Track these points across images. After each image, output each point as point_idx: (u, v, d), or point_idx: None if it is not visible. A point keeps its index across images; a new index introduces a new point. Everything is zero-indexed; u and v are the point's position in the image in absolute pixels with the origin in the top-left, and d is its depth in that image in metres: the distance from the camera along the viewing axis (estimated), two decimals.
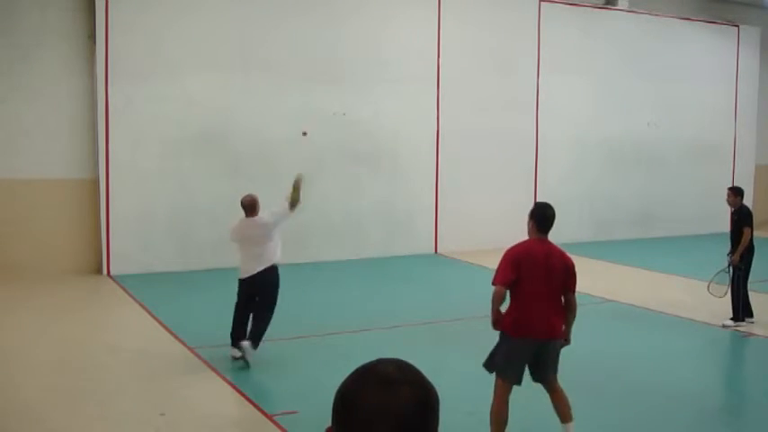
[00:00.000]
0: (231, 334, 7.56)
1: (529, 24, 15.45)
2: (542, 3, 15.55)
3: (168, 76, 12.23)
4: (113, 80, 11.82)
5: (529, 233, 5.44)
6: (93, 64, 11.90)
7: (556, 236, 5.49)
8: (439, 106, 14.53)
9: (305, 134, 13.12)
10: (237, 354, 7.40)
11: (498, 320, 5.29)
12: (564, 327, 5.34)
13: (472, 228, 14.85)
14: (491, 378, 7.33)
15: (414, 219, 14.41)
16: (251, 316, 7.62)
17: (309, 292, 11.16)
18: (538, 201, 5.71)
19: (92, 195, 12.06)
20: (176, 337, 8.41)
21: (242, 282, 7.66)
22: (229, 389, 6.78)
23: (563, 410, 5.41)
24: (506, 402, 5.29)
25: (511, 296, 5.27)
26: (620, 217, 16.73)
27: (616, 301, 10.55)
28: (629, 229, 16.69)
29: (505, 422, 5.30)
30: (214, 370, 7.28)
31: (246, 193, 7.85)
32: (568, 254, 5.41)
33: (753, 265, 9.00)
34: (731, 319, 8.95)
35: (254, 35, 12.81)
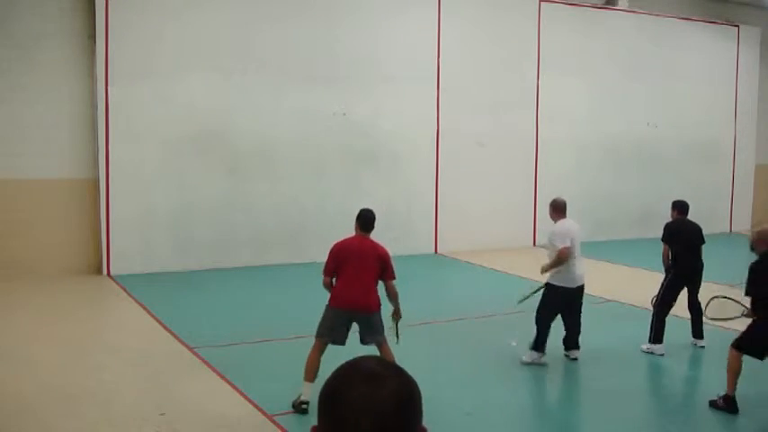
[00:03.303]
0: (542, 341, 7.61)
1: (529, 24, 15.45)
2: (542, 3, 15.55)
3: (168, 76, 12.22)
4: (113, 80, 11.82)
5: (355, 231, 6.68)
6: (93, 64, 11.89)
7: None
8: (439, 106, 14.53)
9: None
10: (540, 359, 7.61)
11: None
12: (381, 303, 6.55)
13: (472, 228, 14.86)
14: (490, 379, 7.36)
15: (414, 219, 14.40)
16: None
17: (309, 292, 11.13)
18: (363, 208, 6.81)
19: (92, 195, 12.06)
20: (176, 337, 8.41)
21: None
22: (229, 389, 6.79)
23: None
24: (319, 357, 6.39)
25: (336, 278, 6.59)
26: (620, 217, 16.74)
27: (616, 301, 10.56)
28: (628, 228, 16.69)
29: (316, 372, 6.30)
30: (214, 370, 7.28)
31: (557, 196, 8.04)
32: (383, 247, 6.58)
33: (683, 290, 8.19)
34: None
35: (254, 35, 12.81)
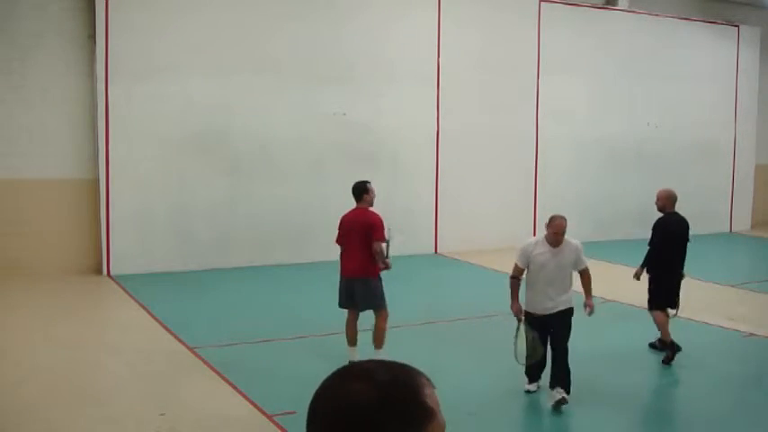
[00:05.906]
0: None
1: (529, 24, 15.44)
2: (542, 3, 15.54)
3: (168, 76, 12.22)
4: (113, 80, 11.82)
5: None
6: (93, 64, 11.89)
7: None
8: (439, 106, 14.52)
9: None
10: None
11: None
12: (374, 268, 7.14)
13: (472, 228, 14.85)
14: (491, 378, 7.36)
15: (414, 219, 14.39)
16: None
17: (310, 292, 11.17)
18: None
19: (92, 195, 12.05)
20: (176, 337, 8.41)
21: None
22: (229, 389, 6.79)
23: (375, 338, 7.21)
24: (351, 323, 7.29)
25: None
26: (620, 217, 16.72)
27: (616, 301, 10.56)
28: (628, 228, 16.65)
29: (353, 337, 7.28)
30: (214, 370, 7.28)
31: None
32: (374, 214, 7.12)
33: None
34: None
35: (255, 35, 12.80)
